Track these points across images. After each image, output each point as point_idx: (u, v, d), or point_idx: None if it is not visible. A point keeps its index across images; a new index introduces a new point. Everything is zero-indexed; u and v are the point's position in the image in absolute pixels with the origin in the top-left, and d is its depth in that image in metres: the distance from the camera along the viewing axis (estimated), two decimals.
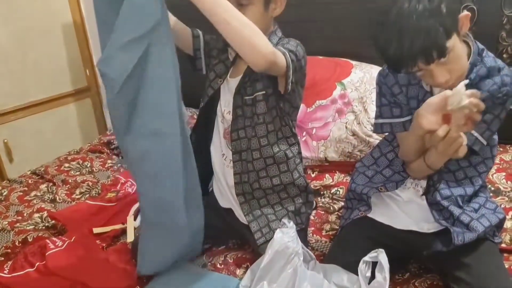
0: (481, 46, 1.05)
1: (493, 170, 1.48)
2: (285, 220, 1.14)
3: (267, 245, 1.09)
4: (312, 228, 1.40)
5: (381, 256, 1.01)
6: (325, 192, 1.58)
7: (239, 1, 1.08)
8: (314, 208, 1.35)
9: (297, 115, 1.26)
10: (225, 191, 1.29)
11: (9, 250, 1.35)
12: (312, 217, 1.46)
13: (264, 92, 1.16)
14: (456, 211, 1.08)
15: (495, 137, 1.11)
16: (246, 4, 1.09)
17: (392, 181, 1.17)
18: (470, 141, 1.02)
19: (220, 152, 1.28)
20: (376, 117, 1.19)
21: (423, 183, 1.14)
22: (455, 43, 0.94)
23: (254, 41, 0.97)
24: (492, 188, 1.42)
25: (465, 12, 0.97)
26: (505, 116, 1.04)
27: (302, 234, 1.24)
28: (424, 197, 1.13)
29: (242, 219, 1.24)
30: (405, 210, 1.16)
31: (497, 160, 1.53)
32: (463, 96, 0.86)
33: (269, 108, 1.17)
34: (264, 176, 1.22)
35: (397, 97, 1.13)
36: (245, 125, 1.19)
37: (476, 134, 1.03)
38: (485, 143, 1.04)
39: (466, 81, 0.87)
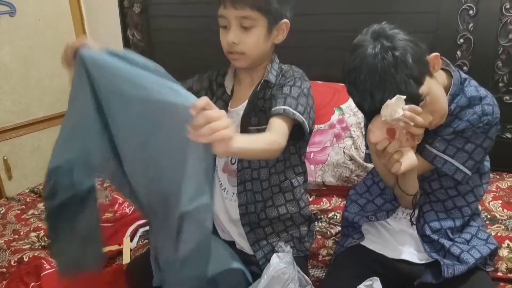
0: (464, 76, 1.06)
1: (489, 198, 1.49)
2: (281, 244, 1.13)
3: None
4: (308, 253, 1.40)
5: (376, 284, 1.01)
6: (322, 216, 1.58)
7: (242, 24, 1.08)
8: (314, 237, 1.34)
9: (308, 141, 1.25)
10: (225, 226, 1.26)
11: (4, 270, 1.34)
12: None
13: (256, 127, 1.16)
14: (446, 243, 1.09)
15: (487, 163, 1.11)
16: (249, 27, 1.09)
17: (383, 210, 1.18)
18: (450, 171, 1.04)
19: (218, 188, 1.26)
20: (366, 147, 1.21)
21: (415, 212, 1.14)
22: (430, 86, 0.94)
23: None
24: (489, 216, 1.42)
25: (434, 54, 0.97)
26: (491, 145, 1.04)
27: (302, 261, 1.24)
28: (415, 227, 1.13)
29: (247, 250, 1.23)
30: (397, 239, 1.17)
31: (493, 188, 1.54)
32: (397, 109, 0.86)
33: None
34: (270, 205, 1.21)
35: None
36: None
37: (456, 163, 1.04)
38: (469, 173, 1.05)
39: (404, 97, 0.87)
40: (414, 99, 0.90)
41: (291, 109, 1.07)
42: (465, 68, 1.65)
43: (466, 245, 1.09)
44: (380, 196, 1.21)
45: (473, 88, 1.04)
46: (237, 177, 1.20)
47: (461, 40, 1.65)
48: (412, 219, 1.14)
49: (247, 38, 1.09)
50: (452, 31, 1.65)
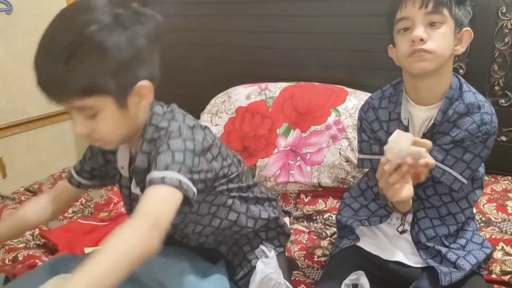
0: (462, 80, 1.05)
1: (484, 200, 1.50)
2: (263, 248, 1.11)
3: (246, 278, 1.08)
4: (304, 253, 1.40)
5: (362, 279, 1.01)
6: (317, 217, 1.59)
7: (84, 115, 0.88)
8: (288, 233, 1.24)
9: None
10: None
11: None
12: (304, 242, 1.47)
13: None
14: (442, 249, 1.08)
15: (481, 169, 1.10)
16: (93, 115, 0.87)
17: (376, 216, 1.18)
18: (449, 181, 1.03)
19: None
20: (358, 152, 1.20)
21: (409, 218, 1.13)
22: (449, 28, 0.97)
23: None
24: (483, 219, 1.43)
25: (468, 28, 1.01)
26: (488, 154, 1.03)
27: (281, 258, 1.17)
28: (409, 233, 1.13)
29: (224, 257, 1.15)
30: (393, 242, 1.17)
31: (488, 191, 1.55)
32: (402, 152, 0.88)
33: None
34: (221, 240, 1.13)
35: (377, 133, 1.13)
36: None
37: (455, 174, 1.02)
38: (465, 182, 1.03)
39: (409, 134, 0.90)
40: (437, 4, 0.95)
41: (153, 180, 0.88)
42: (461, 71, 1.66)
43: (462, 251, 1.09)
44: (374, 201, 1.20)
45: (471, 94, 1.03)
46: None
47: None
48: (399, 229, 1.14)
49: (97, 126, 0.88)
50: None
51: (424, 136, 1.05)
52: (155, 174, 0.82)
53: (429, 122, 1.05)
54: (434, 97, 1.04)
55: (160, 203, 0.80)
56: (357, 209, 1.23)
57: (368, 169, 1.23)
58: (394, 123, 1.09)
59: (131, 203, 1.07)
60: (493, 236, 1.34)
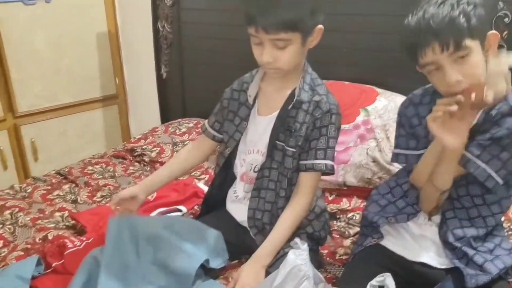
0: None
1: None
2: (297, 240, 1.14)
3: (276, 265, 1.11)
4: (326, 251, 1.41)
5: (388, 280, 1.01)
6: (341, 216, 1.59)
7: (276, 45, 1.06)
8: (328, 230, 1.36)
9: None
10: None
11: (29, 246, 1.38)
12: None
13: (294, 150, 1.17)
14: (469, 251, 1.07)
15: None
16: (284, 46, 1.07)
17: (403, 213, 1.17)
18: (482, 177, 1.01)
19: (232, 194, 1.32)
20: (394, 147, 1.20)
21: (437, 218, 1.13)
22: (476, 50, 0.94)
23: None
24: (511, 226, 1.41)
25: (493, 31, 0.98)
26: None
27: (312, 254, 1.21)
28: (437, 233, 1.12)
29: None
30: (417, 242, 1.16)
31: None
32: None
33: (288, 163, 1.19)
34: (279, 215, 1.22)
35: (415, 129, 1.13)
36: (271, 166, 1.21)
37: (490, 171, 1.01)
38: (500, 181, 1.02)
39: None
40: (457, 38, 0.91)
41: (327, 165, 1.16)
42: None
43: (489, 255, 1.08)
44: (402, 198, 1.20)
45: None
46: (255, 183, 1.23)
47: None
48: (432, 220, 1.13)
49: (282, 56, 1.08)
50: (487, 19, 1.62)
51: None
52: (317, 161, 1.15)
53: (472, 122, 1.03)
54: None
55: (316, 186, 1.20)
56: (384, 205, 1.22)
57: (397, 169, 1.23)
58: None
59: (234, 133, 1.26)
60: None
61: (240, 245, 1.32)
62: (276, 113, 1.20)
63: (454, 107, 0.92)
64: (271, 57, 1.08)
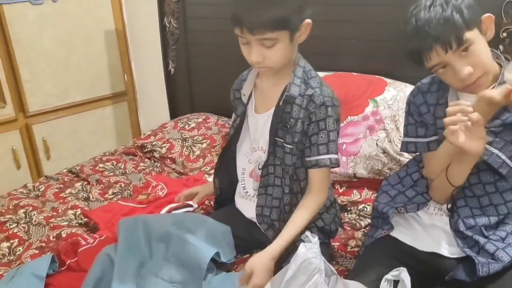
0: None
1: None
2: (308, 233, 1.14)
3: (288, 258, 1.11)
4: (337, 243, 1.40)
5: (403, 274, 1.01)
6: (352, 208, 1.58)
7: (263, 44, 1.05)
8: (339, 223, 1.36)
9: None
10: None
11: (43, 244, 1.41)
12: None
13: (291, 147, 1.16)
14: (481, 240, 1.06)
15: None
16: (272, 45, 1.06)
17: (413, 203, 1.16)
18: (496, 164, 1.00)
19: (241, 190, 1.33)
20: (403, 135, 1.20)
21: (445, 207, 1.12)
22: (476, 38, 0.95)
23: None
24: None
25: (488, 14, 0.98)
26: None
27: (323, 247, 1.20)
28: (448, 222, 1.11)
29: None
30: (428, 232, 1.15)
31: None
32: None
33: (288, 160, 1.19)
34: (288, 211, 1.22)
35: (424, 116, 1.13)
36: (275, 163, 1.22)
37: (503, 157, 1.00)
38: None
39: None
40: (458, 36, 0.92)
41: (331, 159, 1.15)
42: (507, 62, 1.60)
43: (501, 243, 1.07)
44: (412, 188, 1.19)
45: None
46: (260, 181, 1.23)
47: (504, 34, 1.59)
48: (442, 209, 1.13)
49: (270, 55, 1.07)
50: (495, 25, 1.60)
51: None
52: (320, 157, 1.14)
53: None
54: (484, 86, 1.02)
55: (327, 181, 1.20)
56: (394, 195, 1.22)
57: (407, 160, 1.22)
58: (442, 107, 1.09)
59: (230, 129, 1.30)
60: None
61: (250, 240, 1.33)
62: (272, 110, 1.19)
63: (474, 116, 0.89)
64: (260, 56, 1.07)
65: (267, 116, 1.20)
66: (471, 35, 0.94)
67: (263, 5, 1.00)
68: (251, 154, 1.28)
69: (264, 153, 1.23)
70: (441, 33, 0.93)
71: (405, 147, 1.18)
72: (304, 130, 1.15)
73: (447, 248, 1.12)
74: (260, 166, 1.24)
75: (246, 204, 1.31)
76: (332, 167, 1.18)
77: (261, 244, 1.28)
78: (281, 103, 1.16)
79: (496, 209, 1.08)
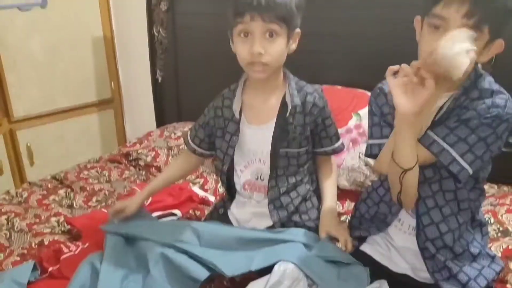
0: (479, 72, 1.01)
1: (502, 211, 1.49)
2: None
3: None
4: None
5: (384, 286, 1.03)
6: None
7: (266, 35, 1.11)
8: None
9: None
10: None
11: (25, 251, 1.40)
12: None
13: (296, 151, 1.25)
14: (454, 268, 1.07)
15: (481, 174, 1.06)
16: (274, 38, 1.12)
17: (375, 226, 1.20)
18: (446, 160, 0.96)
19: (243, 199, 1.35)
20: (368, 138, 1.16)
21: (412, 221, 1.12)
22: (481, 45, 0.91)
23: None
24: (501, 229, 1.42)
25: (501, 41, 0.94)
26: (498, 145, 0.97)
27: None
28: (416, 242, 1.12)
29: None
30: (401, 254, 1.17)
31: (507, 201, 1.54)
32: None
33: (302, 162, 1.28)
34: (296, 212, 1.31)
35: (387, 117, 1.10)
36: (277, 174, 1.26)
37: (454, 153, 0.96)
38: (467, 167, 0.96)
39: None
40: (480, 20, 0.88)
41: (342, 144, 1.35)
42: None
43: (473, 269, 1.07)
44: (379, 204, 1.21)
45: (486, 82, 0.99)
46: (268, 194, 1.28)
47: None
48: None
49: (272, 48, 1.12)
50: None
51: (434, 123, 1.02)
52: (335, 146, 1.32)
53: (440, 110, 1.02)
54: (449, 87, 1.00)
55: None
56: (364, 212, 1.25)
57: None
58: None
59: (227, 149, 1.30)
60: (510, 247, 1.34)
61: None
62: (271, 123, 1.23)
63: (414, 79, 0.89)
64: (262, 48, 1.11)
65: (266, 128, 1.24)
66: (485, 34, 0.91)
67: None
68: (245, 167, 1.30)
69: (264, 164, 1.27)
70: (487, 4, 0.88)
71: (369, 150, 1.14)
72: (311, 133, 1.27)
73: (419, 271, 1.13)
74: (262, 177, 1.28)
75: (245, 213, 1.34)
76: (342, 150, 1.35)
77: None
78: (287, 114, 1.21)
79: (457, 218, 1.07)
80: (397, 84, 0.90)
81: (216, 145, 1.33)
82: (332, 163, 1.39)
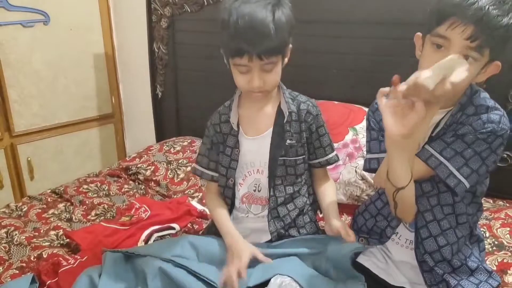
0: (475, 88, 1.04)
1: (497, 225, 1.50)
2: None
3: None
4: None
5: None
6: None
7: (264, 69, 1.13)
8: None
9: None
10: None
11: (24, 264, 1.40)
12: None
13: (293, 159, 1.26)
14: (452, 281, 1.08)
15: (479, 187, 1.08)
16: (271, 69, 1.14)
17: (375, 238, 1.20)
18: (443, 174, 0.98)
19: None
20: (366, 153, 1.19)
21: (413, 236, 1.13)
22: (478, 67, 0.94)
23: None
24: (496, 242, 1.44)
25: (497, 63, 0.96)
26: (493, 160, 0.99)
27: None
28: (413, 256, 1.13)
29: None
30: (399, 268, 1.18)
31: (502, 215, 1.56)
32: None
33: (299, 172, 1.28)
34: (294, 226, 1.31)
35: (384, 132, 1.11)
36: (275, 183, 1.27)
37: (451, 167, 0.98)
38: (464, 181, 0.98)
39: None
40: (482, 44, 0.90)
41: (336, 155, 1.34)
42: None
43: (470, 284, 1.08)
44: (377, 216, 1.22)
45: (481, 99, 1.02)
46: (269, 205, 1.28)
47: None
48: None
49: (270, 78, 1.15)
50: None
51: (431, 138, 1.05)
52: (329, 156, 1.31)
53: (437, 126, 1.04)
54: (446, 104, 1.02)
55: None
56: (361, 225, 1.26)
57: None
58: None
59: (230, 162, 1.30)
60: (505, 260, 1.35)
61: None
62: (268, 132, 1.26)
63: (402, 101, 0.88)
64: (261, 81, 1.15)
65: (262, 138, 1.27)
66: (485, 57, 0.93)
67: (268, 34, 1.07)
68: (242, 179, 1.31)
69: (262, 174, 1.28)
70: (487, 25, 0.89)
71: (367, 164, 1.16)
72: (306, 141, 1.28)
73: (417, 285, 1.14)
74: (260, 188, 1.29)
75: (243, 229, 1.32)
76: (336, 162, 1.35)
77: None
78: (285, 121, 1.24)
79: (455, 232, 1.09)
80: (387, 106, 0.90)
81: (220, 161, 1.33)
82: (325, 175, 1.37)
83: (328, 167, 1.35)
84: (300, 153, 1.27)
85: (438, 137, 1.03)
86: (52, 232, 1.59)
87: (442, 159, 0.99)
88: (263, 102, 1.27)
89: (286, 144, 1.24)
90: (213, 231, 1.41)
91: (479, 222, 1.22)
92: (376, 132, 1.15)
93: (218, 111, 1.34)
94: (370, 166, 1.16)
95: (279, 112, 1.26)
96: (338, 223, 1.17)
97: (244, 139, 1.29)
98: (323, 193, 1.34)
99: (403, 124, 0.88)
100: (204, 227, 1.58)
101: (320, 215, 1.38)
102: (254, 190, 1.30)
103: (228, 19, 1.08)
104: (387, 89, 0.92)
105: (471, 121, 0.99)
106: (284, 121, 1.24)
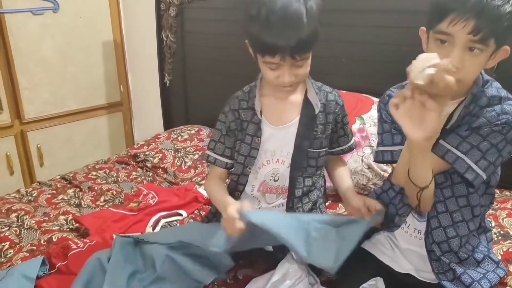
0: (486, 77, 1.03)
1: (503, 215, 1.50)
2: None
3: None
4: None
5: (379, 283, 1.05)
6: None
7: (297, 65, 1.10)
8: None
9: None
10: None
11: (34, 247, 1.43)
12: None
13: (316, 150, 1.26)
14: (458, 270, 1.08)
15: (492, 178, 1.08)
16: (303, 64, 1.12)
17: (388, 226, 1.20)
18: (461, 169, 0.98)
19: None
20: (378, 145, 1.17)
21: (422, 226, 1.13)
22: (486, 57, 0.93)
23: None
24: (502, 232, 1.44)
25: (506, 47, 0.95)
26: (509, 151, 0.99)
27: None
28: (424, 245, 1.13)
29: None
30: (405, 255, 1.18)
31: (508, 205, 1.55)
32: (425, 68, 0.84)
33: (320, 164, 1.29)
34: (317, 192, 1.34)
35: (397, 123, 1.09)
36: (297, 175, 1.26)
37: (468, 161, 0.98)
38: (482, 174, 0.98)
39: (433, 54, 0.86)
40: (486, 35, 0.89)
41: (352, 144, 1.35)
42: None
43: (477, 273, 1.08)
44: (389, 204, 1.21)
45: (494, 89, 1.01)
46: (288, 196, 1.28)
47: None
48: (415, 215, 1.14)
49: (301, 73, 1.13)
50: None
51: (445, 130, 1.04)
52: (350, 143, 1.34)
53: (451, 119, 1.03)
54: (456, 94, 1.01)
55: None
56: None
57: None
58: None
59: (250, 151, 1.27)
60: (510, 250, 1.35)
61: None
62: (294, 122, 1.23)
63: (408, 93, 0.89)
64: (293, 76, 1.12)
65: (288, 128, 1.24)
66: (491, 47, 0.92)
67: (301, 33, 1.03)
68: (259, 168, 1.28)
69: (282, 164, 1.26)
70: (483, 17, 0.87)
71: (380, 156, 1.15)
72: (329, 133, 1.27)
73: (423, 272, 1.15)
74: (277, 178, 1.28)
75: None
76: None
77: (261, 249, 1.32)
78: (316, 112, 1.22)
79: (468, 225, 1.09)
80: (402, 113, 0.90)
81: (237, 149, 1.29)
82: (343, 159, 1.40)
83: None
84: (324, 145, 1.26)
85: (451, 130, 1.03)
86: (62, 217, 1.62)
87: (459, 153, 0.99)
88: (287, 91, 1.23)
89: (317, 136, 1.23)
90: (219, 216, 1.42)
91: None
92: (388, 125, 1.14)
93: (237, 96, 1.29)
94: (384, 158, 1.15)
95: (306, 102, 1.23)
96: (360, 202, 1.15)
97: (268, 128, 1.25)
98: (341, 174, 1.34)
99: (423, 128, 0.88)
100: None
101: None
102: (270, 180, 1.28)
103: (257, 14, 1.03)
104: (396, 99, 0.91)
105: (484, 113, 0.98)
106: (316, 113, 1.22)
